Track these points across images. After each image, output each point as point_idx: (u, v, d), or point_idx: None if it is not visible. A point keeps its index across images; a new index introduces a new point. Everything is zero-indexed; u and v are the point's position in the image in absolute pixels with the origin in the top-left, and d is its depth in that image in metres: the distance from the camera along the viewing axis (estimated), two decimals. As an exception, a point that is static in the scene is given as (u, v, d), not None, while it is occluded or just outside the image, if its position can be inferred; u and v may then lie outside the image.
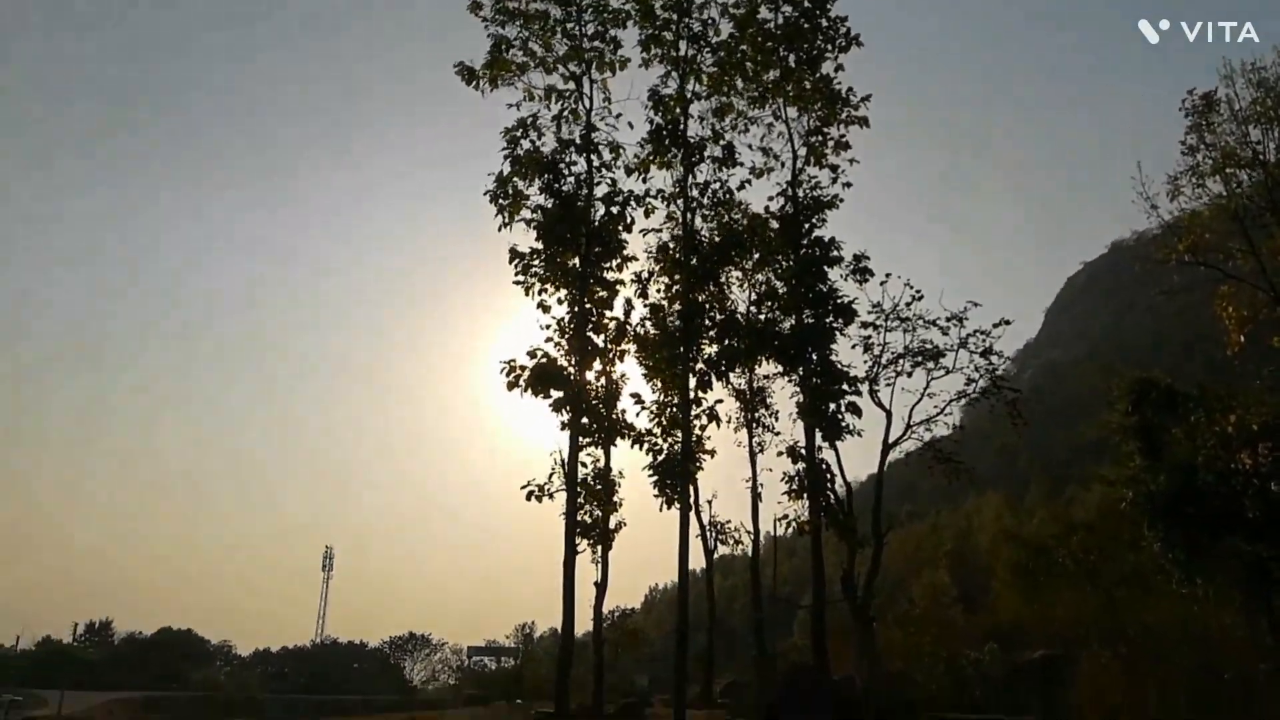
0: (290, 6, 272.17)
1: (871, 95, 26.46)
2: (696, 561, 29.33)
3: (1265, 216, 25.39)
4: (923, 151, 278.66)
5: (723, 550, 34.66)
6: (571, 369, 24.51)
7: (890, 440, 24.84)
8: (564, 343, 24.65)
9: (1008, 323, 25.31)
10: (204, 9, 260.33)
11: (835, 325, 25.25)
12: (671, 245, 26.65)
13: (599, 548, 25.40)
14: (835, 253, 25.64)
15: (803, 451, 24.77)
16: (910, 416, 24.73)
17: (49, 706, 47.35)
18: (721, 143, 26.39)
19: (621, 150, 25.66)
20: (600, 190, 25.47)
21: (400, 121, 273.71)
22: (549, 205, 24.92)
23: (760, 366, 27.18)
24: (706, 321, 25.70)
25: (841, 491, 24.89)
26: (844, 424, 24.32)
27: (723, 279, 27.19)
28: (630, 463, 30.05)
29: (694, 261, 25.31)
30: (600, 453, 25.81)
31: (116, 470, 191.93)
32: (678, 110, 25.91)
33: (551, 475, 24.00)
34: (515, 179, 24.99)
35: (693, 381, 24.95)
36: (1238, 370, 29.31)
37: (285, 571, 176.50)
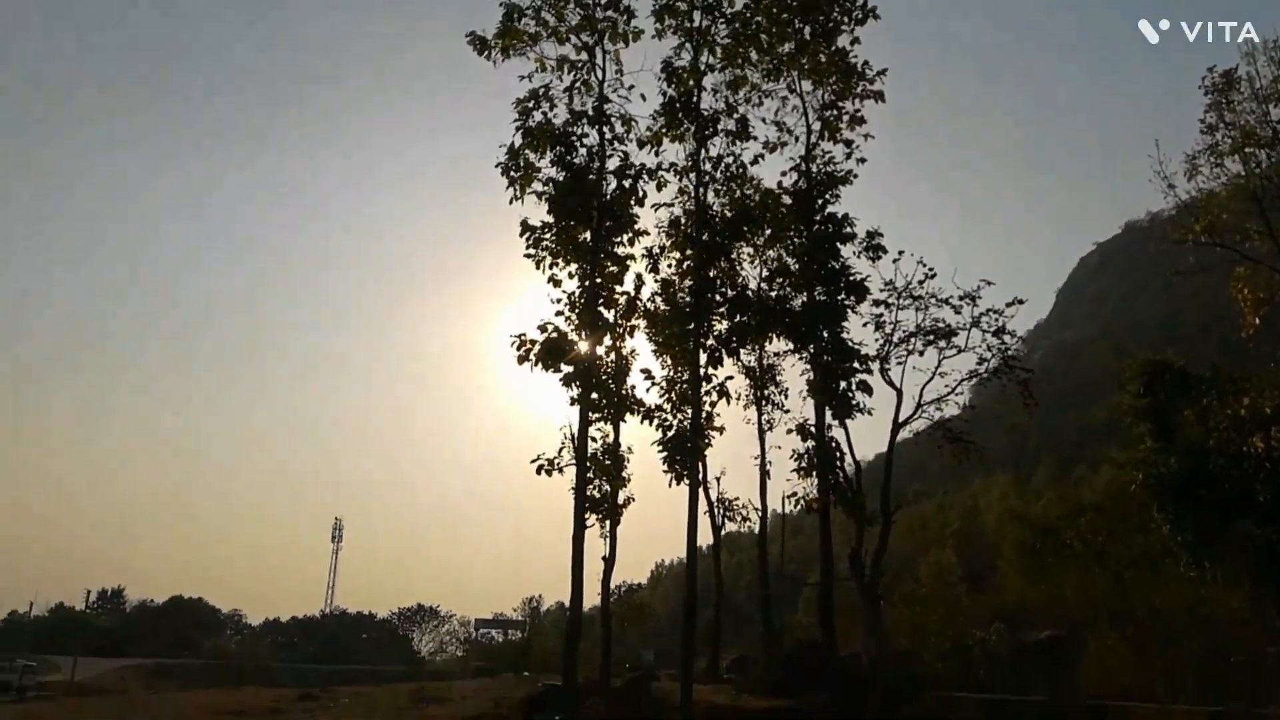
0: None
1: (887, 69, 26.16)
2: (704, 538, 29.35)
3: (1284, 196, 25.06)
4: (934, 129, 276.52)
5: (730, 527, 34.68)
6: (582, 343, 24.40)
7: (901, 419, 24.77)
8: (574, 317, 24.51)
9: (1021, 302, 25.13)
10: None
11: (847, 303, 25.09)
12: (683, 220, 26.46)
13: (607, 523, 25.42)
14: (848, 229, 25.43)
15: (812, 429, 24.71)
16: (921, 395, 24.65)
17: (61, 672, 47.98)
18: (735, 116, 26.09)
19: (634, 123, 25.40)
20: (612, 163, 25.23)
21: (399, 96, 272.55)
22: (560, 178, 24.70)
23: (771, 344, 27.07)
24: (717, 297, 25.53)
25: (850, 470, 24.86)
26: (854, 402, 24.21)
27: (734, 255, 27.01)
28: (639, 438, 30.02)
29: (706, 236, 25.10)
30: (609, 428, 25.78)
31: (130, 442, 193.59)
32: (691, 83, 25.56)
33: (561, 450, 24.01)
34: (527, 151, 24.75)
35: (703, 358, 24.83)
36: (1252, 353, 29.06)
37: (296, 542, 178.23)
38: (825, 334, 24.87)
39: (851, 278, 25.12)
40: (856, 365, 24.38)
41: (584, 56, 25.44)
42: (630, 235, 25.33)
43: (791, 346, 26.00)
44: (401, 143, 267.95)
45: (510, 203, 24.71)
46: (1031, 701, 26.01)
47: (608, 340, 25.57)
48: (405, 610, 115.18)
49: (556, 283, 24.66)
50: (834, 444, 24.60)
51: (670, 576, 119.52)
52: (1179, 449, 28.99)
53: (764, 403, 28.63)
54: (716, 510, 32.31)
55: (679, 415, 25.25)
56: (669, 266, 26.53)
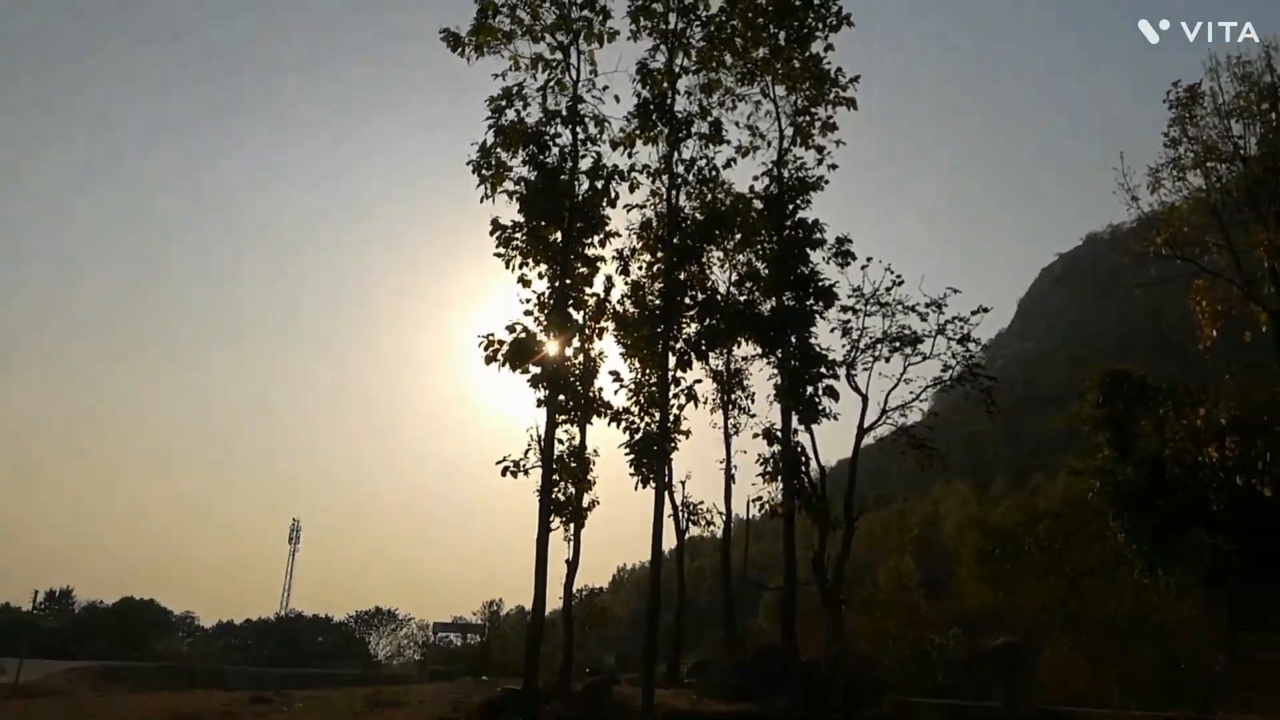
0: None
1: (860, 77, 26.38)
2: (668, 542, 29.28)
3: (1243, 212, 25.63)
4: (899, 136, 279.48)
5: (693, 531, 34.69)
6: (551, 344, 24.24)
7: (866, 425, 24.97)
8: (543, 318, 24.33)
9: (986, 310, 25.46)
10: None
11: (815, 308, 25.31)
12: (655, 222, 26.44)
13: (571, 525, 25.23)
14: (818, 235, 25.66)
15: (779, 434, 24.81)
16: (886, 401, 24.89)
17: (5, 674, 46.64)
18: (709, 119, 26.11)
19: (607, 124, 25.29)
20: (585, 164, 25.07)
21: (378, 90, 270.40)
22: (532, 178, 24.53)
23: (739, 348, 27.13)
24: (687, 300, 25.58)
25: (815, 475, 25.00)
26: (821, 407, 24.40)
27: (704, 258, 27.06)
28: (603, 441, 29.99)
29: (677, 239, 25.12)
30: (576, 430, 25.62)
31: (80, 439, 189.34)
32: (665, 85, 25.57)
33: (527, 451, 23.77)
34: (499, 149, 24.55)
35: (672, 360, 24.83)
36: (1209, 365, 29.65)
37: (252, 543, 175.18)
38: (794, 339, 25.04)
39: (820, 283, 25.35)
40: (824, 370, 24.60)
41: (559, 56, 25.31)
42: (601, 237, 25.23)
43: (759, 351, 26.10)
44: (370, 138, 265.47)
45: (481, 201, 24.48)
46: (988, 706, 26.29)
47: (576, 342, 25.43)
48: (362, 613, 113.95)
49: (526, 283, 24.47)
50: (799, 449, 24.74)
51: (632, 581, 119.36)
52: (1136, 458, 29.52)
53: (730, 407, 28.70)
54: (681, 514, 32.31)
55: (647, 418, 25.21)
56: (639, 269, 26.53)
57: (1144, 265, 28.90)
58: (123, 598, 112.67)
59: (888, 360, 24.91)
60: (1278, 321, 24.33)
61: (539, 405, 24.18)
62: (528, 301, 24.49)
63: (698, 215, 26.18)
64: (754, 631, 48.47)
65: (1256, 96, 25.54)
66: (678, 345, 25.01)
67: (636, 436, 24.83)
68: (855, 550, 29.86)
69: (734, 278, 27.69)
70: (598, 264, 25.62)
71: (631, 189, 25.57)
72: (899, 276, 24.82)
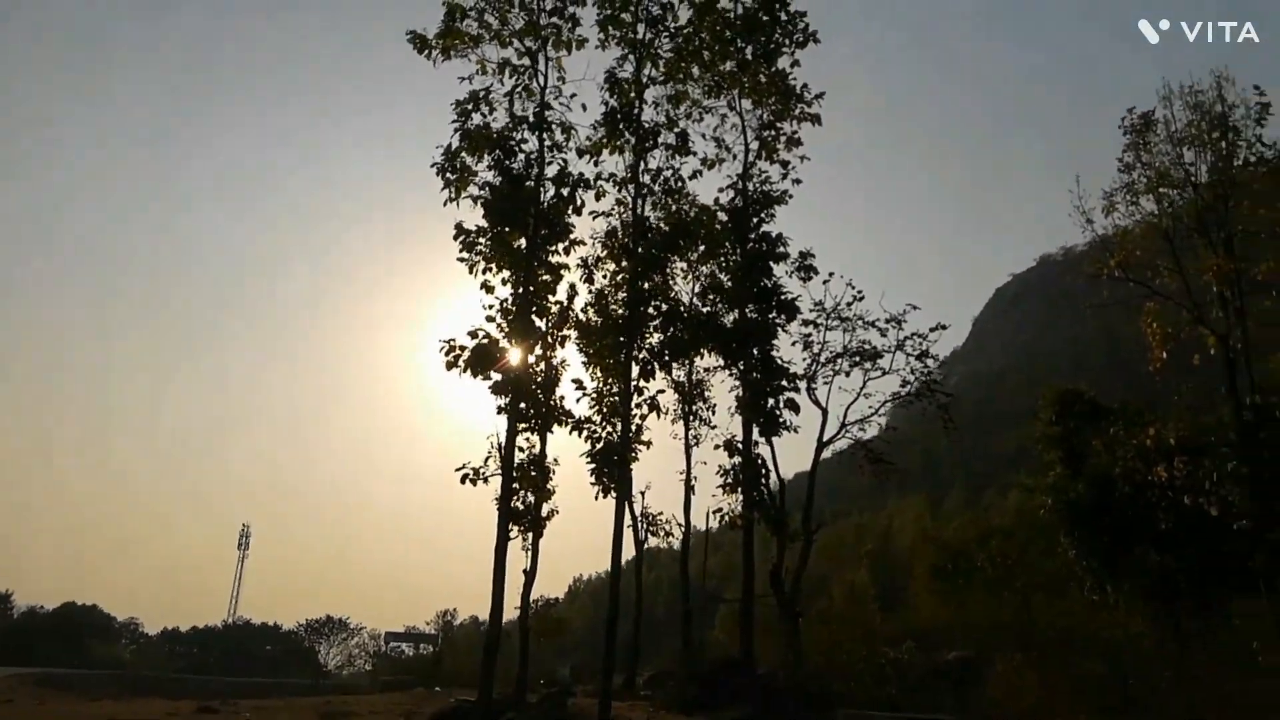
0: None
1: (825, 94, 26.63)
2: (626, 552, 29.18)
3: (1193, 237, 26.20)
4: (861, 152, 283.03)
5: (651, 542, 34.60)
6: (513, 351, 24.06)
7: (825, 438, 25.13)
8: (506, 324, 24.15)
9: (944, 327, 25.85)
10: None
11: (778, 321, 25.51)
12: (620, 231, 26.42)
13: (530, 535, 25.01)
14: (782, 249, 25.83)
15: (739, 445, 24.87)
16: (846, 415, 25.06)
17: (-63, 680, 45.07)
18: (676, 130, 26.19)
19: (574, 131, 25.22)
20: (551, 171, 24.99)
21: (343, 93, 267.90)
22: (498, 183, 24.38)
23: (701, 359, 27.18)
24: (651, 310, 25.59)
25: (775, 487, 25.07)
26: (782, 420, 24.56)
27: (668, 269, 27.08)
28: (562, 450, 29.71)
29: (642, 249, 25.14)
30: (536, 438, 25.43)
31: (21, 439, 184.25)
32: (633, 94, 25.60)
33: (488, 459, 23.51)
34: (464, 153, 24.37)
35: (635, 370, 24.82)
36: (1159, 386, 30.24)
37: (199, 549, 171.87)
38: (756, 351, 25.16)
39: (783, 297, 25.53)
40: (785, 383, 24.75)
41: (526, 62, 25.22)
42: (566, 244, 25.11)
43: (721, 362, 26.17)
44: (334, 141, 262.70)
45: (445, 204, 24.30)
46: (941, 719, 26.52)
47: (539, 349, 25.27)
48: (313, 622, 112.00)
49: (489, 289, 24.27)
50: (760, 461, 24.82)
51: (588, 591, 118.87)
52: (1087, 476, 30.01)
53: (691, 418, 28.72)
54: (640, 525, 32.21)
55: (609, 427, 25.15)
56: (603, 278, 26.48)
57: (1097, 287, 29.42)
58: (64, 603, 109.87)
59: (848, 374, 25.16)
60: (1226, 345, 24.88)
61: (499, 412, 23.97)
62: (490, 308, 24.31)
63: (663, 226, 26.21)
64: (711, 643, 48.40)
65: (1208, 125, 26.16)
66: (641, 355, 25.03)
67: (598, 446, 24.77)
68: (811, 563, 30.03)
69: (697, 289, 27.79)
70: (561, 272, 25.50)
71: (598, 197, 25.58)
72: (860, 292, 25.11)
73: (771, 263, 25.89)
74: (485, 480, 23.36)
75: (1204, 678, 25.82)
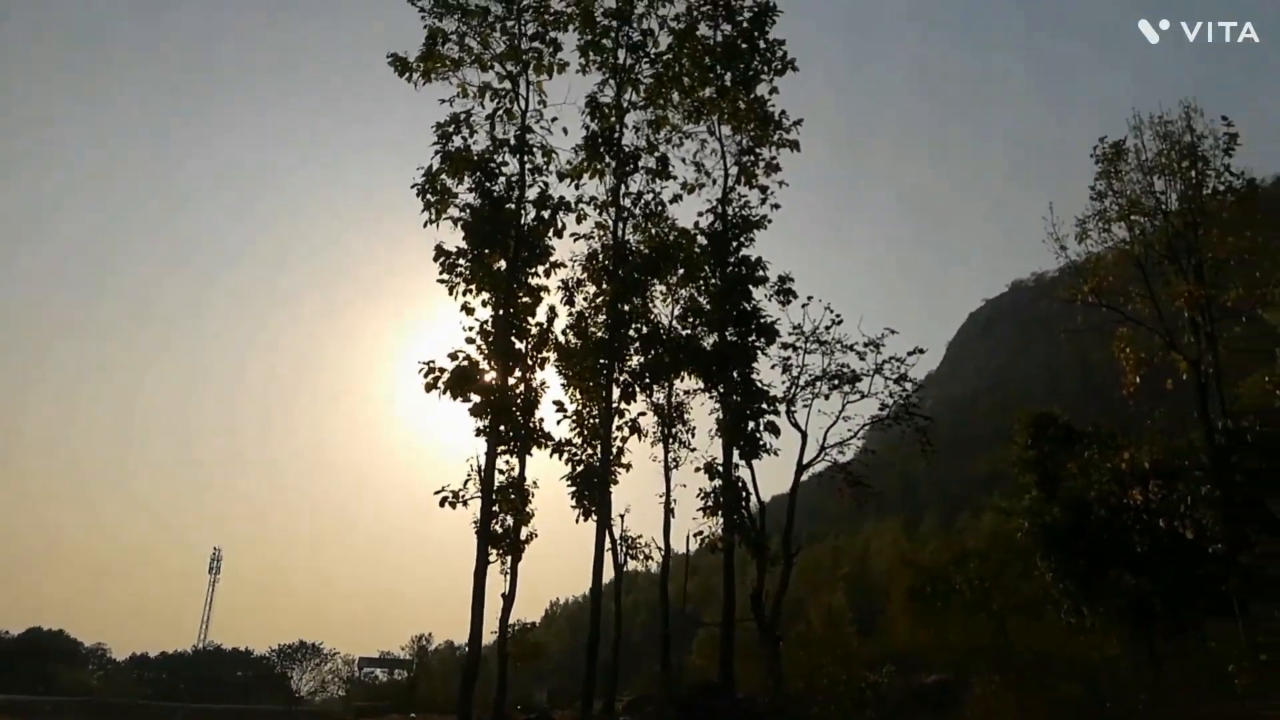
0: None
1: (803, 120, 26.91)
2: (606, 575, 28.99)
3: (1164, 264, 26.66)
4: (835, 177, 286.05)
5: (629, 565, 34.38)
6: (493, 373, 23.98)
7: (805, 461, 25.15)
8: (486, 346, 24.09)
9: (921, 351, 25.98)
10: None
11: (758, 344, 25.53)
12: (601, 254, 26.47)
13: (508, 558, 24.80)
14: (761, 273, 25.97)
15: (720, 468, 24.85)
16: (825, 438, 25.11)
17: (-104, 709, 43.95)
18: (656, 154, 26.48)
19: (555, 155, 25.39)
20: (532, 194, 25.14)
21: (343, 97, 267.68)
22: (478, 205, 24.42)
23: (680, 381, 27.19)
24: (631, 333, 25.63)
25: (755, 509, 25.03)
26: (762, 443, 24.57)
27: (647, 292, 27.15)
28: (540, 472, 29.55)
29: (623, 272, 25.22)
30: (515, 461, 25.29)
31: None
32: (614, 119, 25.84)
33: (467, 482, 23.36)
34: (444, 175, 24.41)
35: (616, 392, 24.79)
36: (1132, 410, 30.59)
37: (169, 573, 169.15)
38: (736, 374, 25.18)
39: (762, 320, 25.61)
40: (765, 406, 24.78)
41: (507, 85, 25.38)
42: (546, 267, 25.15)
43: (701, 385, 26.17)
44: (310, 162, 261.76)
45: (425, 226, 24.29)
46: (919, 743, 26.49)
47: (518, 371, 25.20)
48: (285, 647, 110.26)
49: (469, 310, 24.24)
50: (740, 483, 24.79)
51: (565, 615, 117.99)
52: (1062, 500, 30.28)
53: (671, 441, 28.64)
54: (620, 548, 32.00)
55: (589, 450, 25.09)
56: (584, 300, 26.50)
57: (1070, 312, 29.81)
58: (29, 628, 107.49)
59: (827, 397, 25.19)
60: (1198, 370, 25.24)
61: (478, 434, 23.84)
62: (470, 329, 24.26)
63: (643, 249, 26.32)
64: (689, 667, 48.12)
65: (1177, 155, 26.70)
66: (622, 377, 25.04)
67: (579, 469, 24.68)
68: (790, 586, 29.97)
69: (677, 311, 27.80)
70: (541, 294, 25.52)
71: (579, 220, 25.74)
72: (838, 316, 25.22)
73: (751, 286, 25.98)
74: (465, 503, 23.20)
75: (1179, 700, 25.98)
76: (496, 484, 23.71)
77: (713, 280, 26.50)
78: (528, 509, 24.97)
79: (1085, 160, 28.45)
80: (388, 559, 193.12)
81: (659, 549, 31.41)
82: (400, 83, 24.97)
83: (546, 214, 24.95)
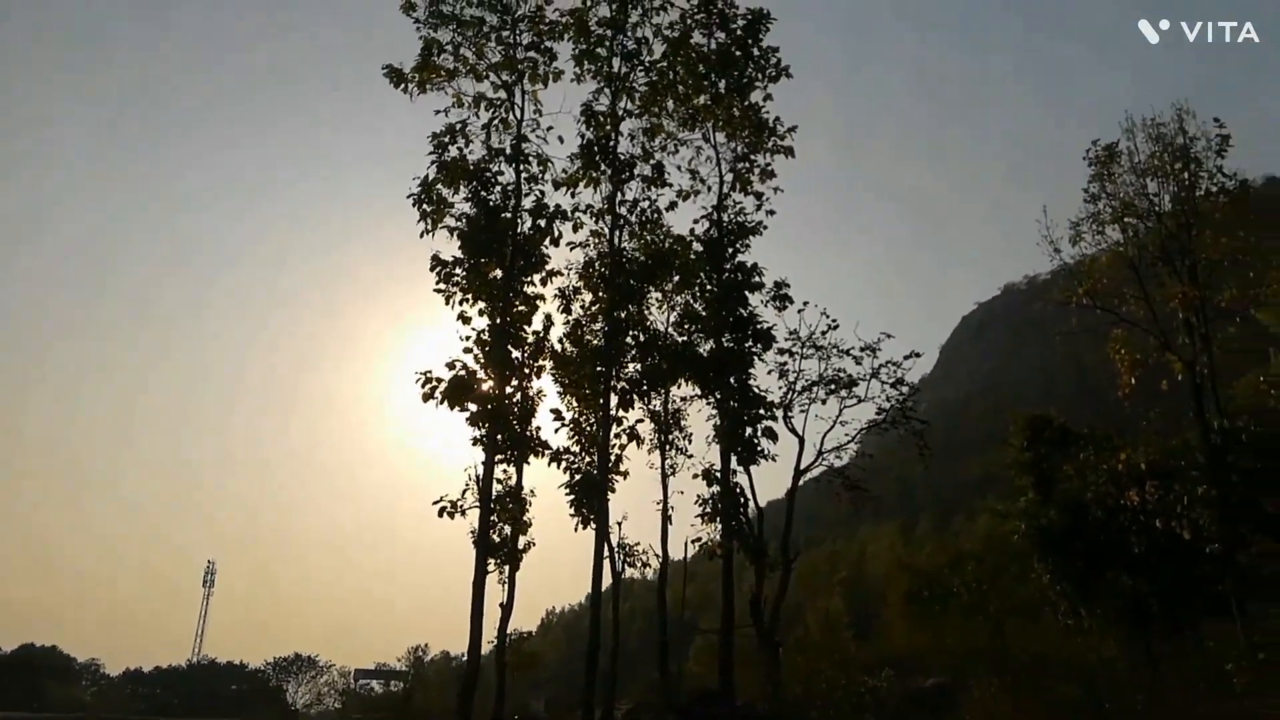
0: None
1: (798, 127, 26.98)
2: (604, 582, 28.93)
3: (1158, 266, 26.84)
4: (826, 182, 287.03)
5: (628, 573, 34.31)
6: (490, 382, 23.97)
7: (802, 466, 25.17)
8: (483, 355, 24.07)
9: (918, 355, 25.97)
10: None
11: (754, 350, 25.55)
12: (597, 261, 26.49)
13: (506, 567, 24.74)
14: (757, 279, 25.99)
15: (718, 474, 24.85)
16: (822, 443, 25.13)
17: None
18: (651, 162, 26.50)
19: (551, 163, 25.42)
20: (528, 203, 25.14)
21: (320, 118, 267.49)
22: (474, 214, 24.45)
23: (677, 388, 27.22)
24: (629, 340, 25.66)
25: (753, 515, 25.03)
26: (760, 448, 24.57)
27: (644, 299, 27.16)
28: (536, 481, 29.43)
29: (620, 279, 25.24)
30: (512, 470, 25.25)
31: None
32: (609, 127, 25.87)
33: (465, 491, 23.31)
34: (440, 185, 24.42)
35: (614, 400, 24.78)
36: (1127, 412, 30.72)
37: (163, 587, 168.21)
38: (733, 380, 25.20)
39: (759, 326, 25.62)
40: (762, 412, 24.79)
41: (502, 95, 25.41)
42: (543, 275, 25.18)
43: (698, 392, 26.18)
44: (306, 171, 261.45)
45: (421, 236, 24.29)
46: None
47: (515, 380, 25.17)
48: (280, 660, 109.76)
49: (466, 319, 24.20)
50: (738, 489, 24.80)
51: (562, 623, 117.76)
52: (1058, 502, 30.39)
53: (668, 447, 28.66)
54: (617, 555, 31.96)
55: (588, 458, 25.08)
56: (581, 308, 26.50)
57: (1063, 314, 29.98)
58: (21, 645, 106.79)
59: (824, 402, 25.22)
60: (1193, 371, 25.38)
61: (475, 444, 23.78)
62: (467, 339, 24.22)
63: (640, 256, 26.35)
64: (687, 674, 48.04)
65: (1170, 157, 26.92)
66: (620, 385, 25.03)
67: (577, 477, 24.67)
68: (788, 592, 29.99)
69: (673, 318, 27.83)
70: (537, 302, 25.53)
71: (575, 229, 25.77)
72: (834, 321, 25.27)
73: (747, 292, 25.97)
74: (463, 513, 23.14)
75: (1177, 701, 26.06)
76: (494, 493, 23.67)
77: (709, 287, 26.51)
78: (525, 518, 24.95)
79: (1079, 163, 28.64)
80: (383, 569, 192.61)
81: (656, 556, 31.40)
82: (398, 93, 24.96)
83: (543, 223, 24.97)
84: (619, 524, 30.96)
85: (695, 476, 25.40)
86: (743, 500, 24.86)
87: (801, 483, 25.65)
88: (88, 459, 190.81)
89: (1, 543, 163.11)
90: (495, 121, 25.18)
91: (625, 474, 26.63)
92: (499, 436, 23.92)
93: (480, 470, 23.38)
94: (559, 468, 25.04)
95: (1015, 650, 34.99)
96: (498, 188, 24.95)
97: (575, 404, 26.35)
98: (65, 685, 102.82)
